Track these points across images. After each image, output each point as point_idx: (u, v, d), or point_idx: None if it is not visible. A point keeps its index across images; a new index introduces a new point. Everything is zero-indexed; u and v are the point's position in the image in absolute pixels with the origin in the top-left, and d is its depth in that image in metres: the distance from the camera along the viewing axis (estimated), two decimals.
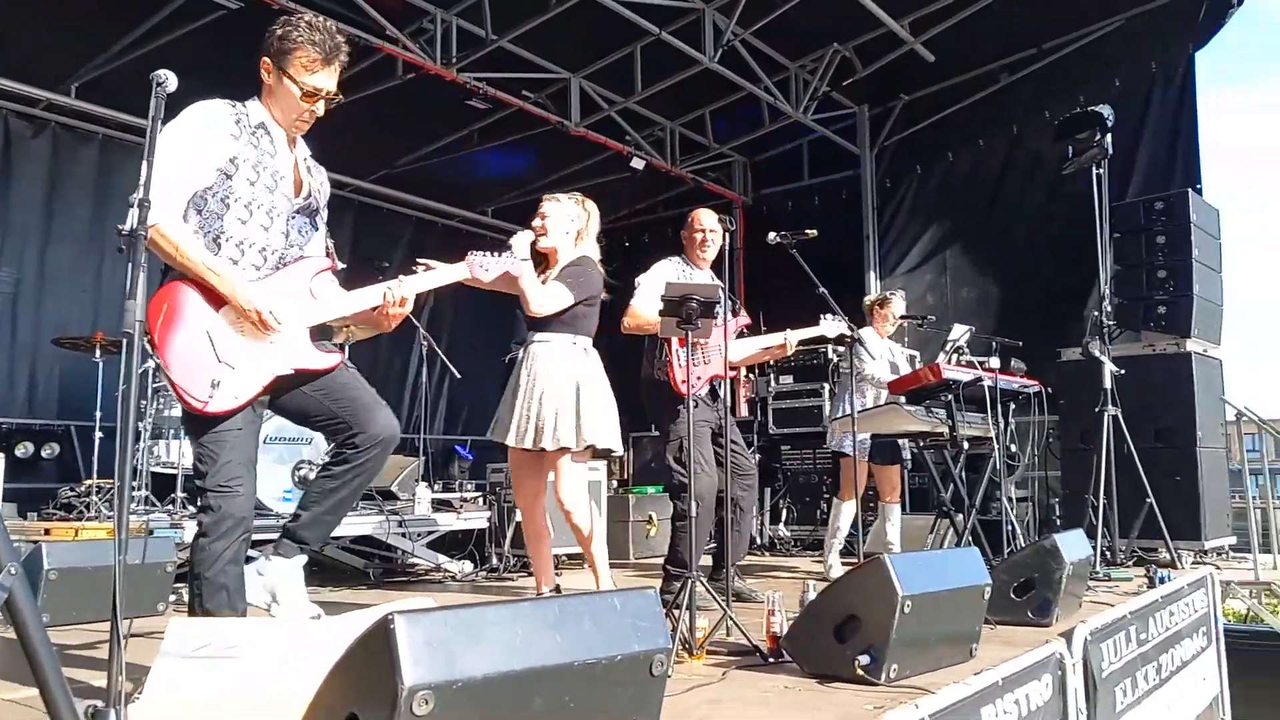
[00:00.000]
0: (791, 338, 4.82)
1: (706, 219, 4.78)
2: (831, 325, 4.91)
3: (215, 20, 6.65)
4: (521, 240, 4.07)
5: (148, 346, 2.59)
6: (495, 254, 3.26)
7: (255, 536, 5.39)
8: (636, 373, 4.80)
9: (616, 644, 1.95)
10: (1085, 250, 6.51)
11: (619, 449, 4.29)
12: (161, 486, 5.56)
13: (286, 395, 2.87)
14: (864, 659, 2.84)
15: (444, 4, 7.38)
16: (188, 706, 1.92)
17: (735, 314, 4.90)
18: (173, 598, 4.26)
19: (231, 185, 2.73)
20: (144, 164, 2.39)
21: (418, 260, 3.40)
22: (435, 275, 3.17)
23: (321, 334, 2.96)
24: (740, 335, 4.92)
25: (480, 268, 3.22)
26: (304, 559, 2.91)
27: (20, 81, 7.35)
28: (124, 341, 1.94)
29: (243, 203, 2.75)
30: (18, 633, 1.52)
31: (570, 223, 4.26)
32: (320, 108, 2.88)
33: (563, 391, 4.04)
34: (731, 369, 4.99)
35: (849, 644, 2.92)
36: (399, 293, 2.90)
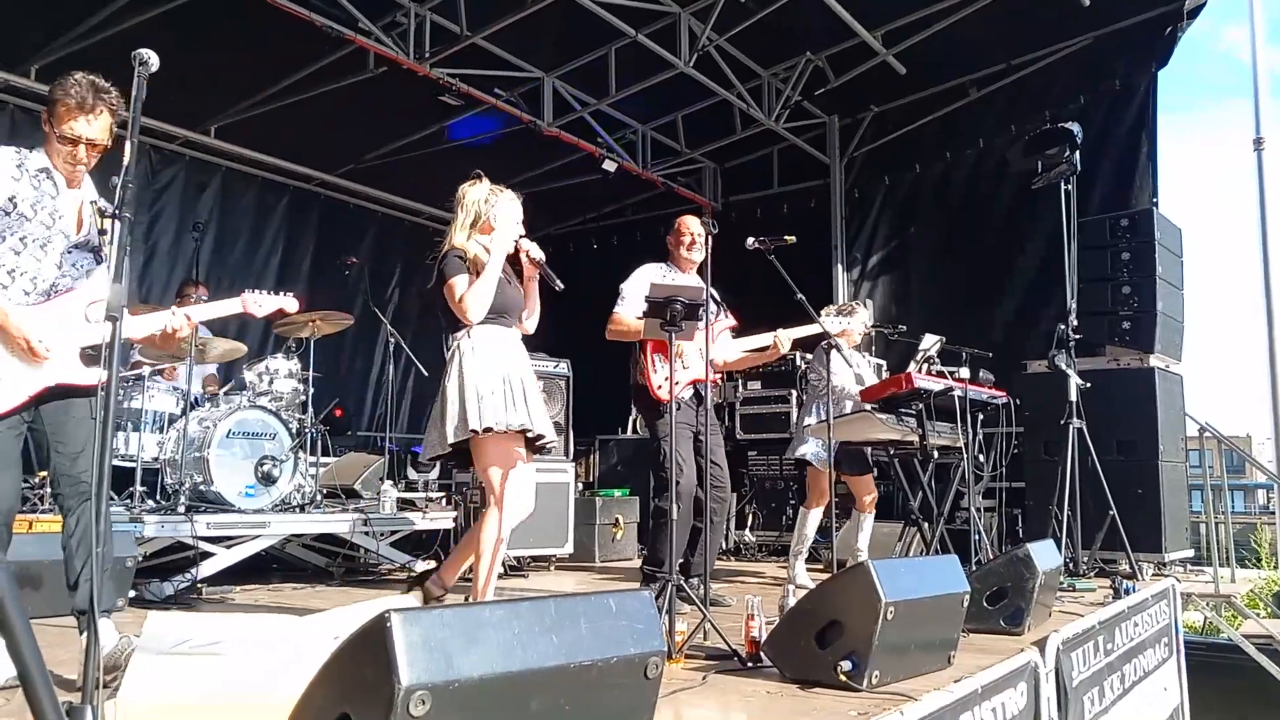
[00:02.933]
0: (783, 337, 4.76)
1: (694, 224, 4.79)
2: (834, 321, 4.89)
3: (185, 5, 6.52)
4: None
5: None
6: (269, 293, 3.66)
7: (225, 533, 5.31)
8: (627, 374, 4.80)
9: (612, 646, 1.93)
10: (1051, 264, 6.60)
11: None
12: (119, 479, 5.40)
13: (47, 413, 3.09)
14: (846, 665, 2.84)
15: None
16: (167, 705, 1.85)
17: (721, 316, 4.89)
18: (132, 594, 4.15)
19: (9, 221, 3.02)
20: (127, 143, 2.35)
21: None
22: (213, 307, 3.47)
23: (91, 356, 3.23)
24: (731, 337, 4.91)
25: (255, 304, 3.57)
26: (108, 621, 2.97)
27: None
28: (111, 326, 1.87)
29: (17, 236, 3.03)
30: (2, 627, 1.45)
31: None
32: (82, 152, 3.11)
33: None
34: (717, 372, 4.97)
35: (831, 649, 2.91)
36: (178, 321, 3.26)
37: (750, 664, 3.19)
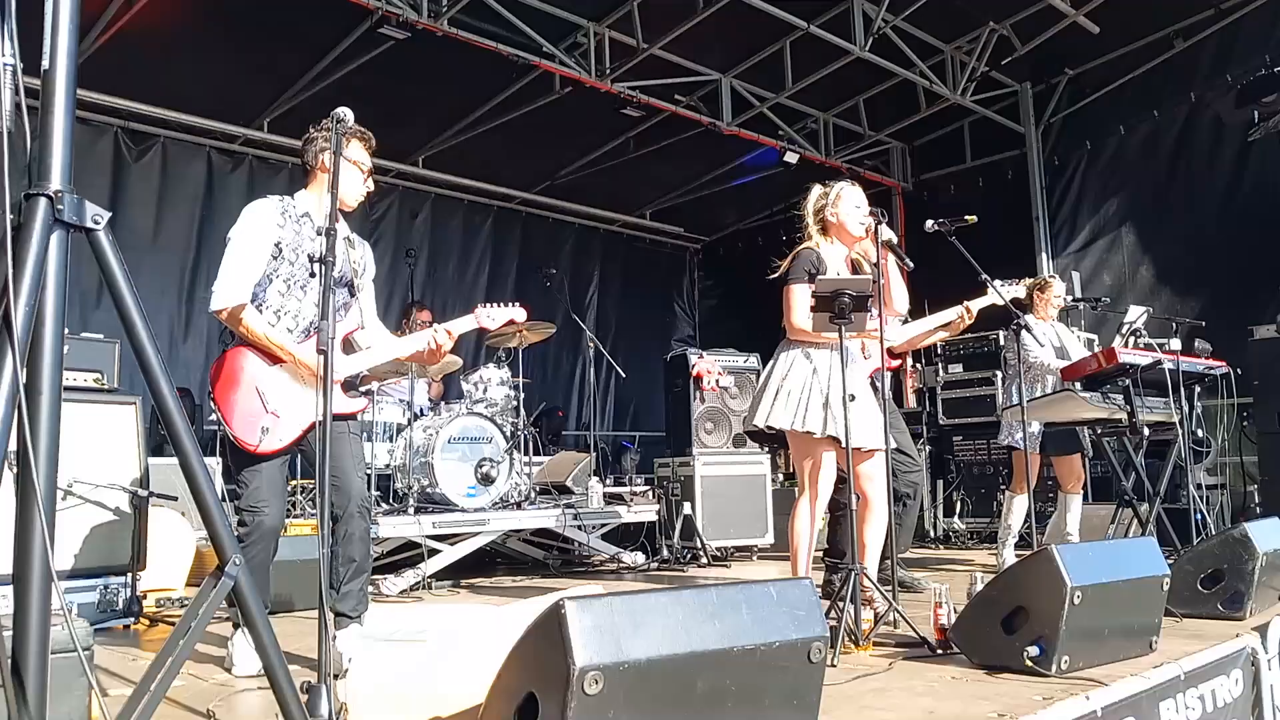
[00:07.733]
0: (972, 308, 4.75)
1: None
2: (1005, 290, 4.79)
3: (387, 50, 7.09)
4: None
5: (210, 403, 3.24)
6: (500, 305, 3.84)
7: (450, 531, 5.75)
8: None
9: (774, 631, 2.04)
10: (1275, 221, 6.10)
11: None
12: None
13: (315, 439, 3.32)
14: (1033, 650, 2.83)
15: (595, 17, 7.59)
16: (384, 686, 2.13)
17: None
18: (370, 590, 4.60)
19: (275, 265, 3.29)
20: (330, 193, 2.66)
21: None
22: (460, 323, 3.67)
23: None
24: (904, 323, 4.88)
25: (487, 318, 3.77)
26: (358, 627, 3.26)
27: (219, 120, 8.14)
28: (320, 359, 2.17)
29: (282, 278, 3.31)
30: (244, 618, 1.75)
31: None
32: (370, 184, 3.55)
33: None
34: (896, 359, 4.95)
35: (1018, 635, 2.90)
36: (441, 338, 3.49)
37: (939, 651, 3.21)
